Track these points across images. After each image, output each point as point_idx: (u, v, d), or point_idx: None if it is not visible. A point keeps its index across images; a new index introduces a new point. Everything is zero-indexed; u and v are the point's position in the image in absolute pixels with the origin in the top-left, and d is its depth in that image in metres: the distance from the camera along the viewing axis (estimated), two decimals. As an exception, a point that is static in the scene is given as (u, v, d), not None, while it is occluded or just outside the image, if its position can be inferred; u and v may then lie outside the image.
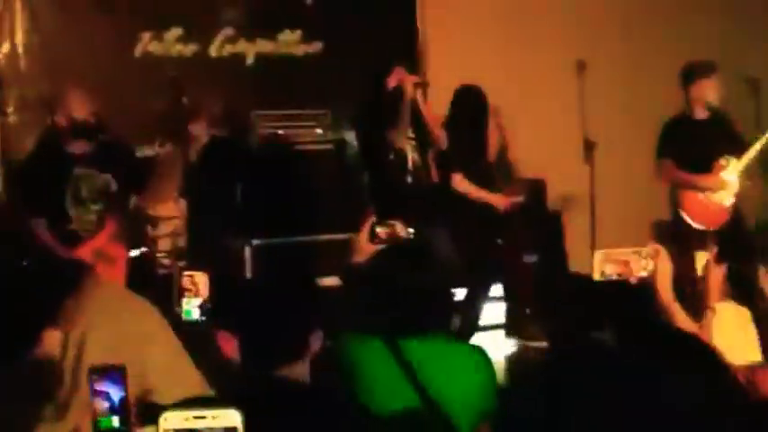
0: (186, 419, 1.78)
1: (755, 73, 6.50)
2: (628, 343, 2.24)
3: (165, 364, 2.41)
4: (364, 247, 3.24)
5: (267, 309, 2.45)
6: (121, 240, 5.23)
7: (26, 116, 6.48)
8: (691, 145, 6.09)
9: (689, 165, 6.10)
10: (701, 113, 6.13)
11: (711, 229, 5.98)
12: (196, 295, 3.42)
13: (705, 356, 1.68)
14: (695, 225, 6.02)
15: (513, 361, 6.05)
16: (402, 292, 2.85)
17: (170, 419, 1.78)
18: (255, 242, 6.26)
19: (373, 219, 3.40)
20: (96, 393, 2.10)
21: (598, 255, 2.92)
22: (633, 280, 2.87)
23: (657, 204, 6.37)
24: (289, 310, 2.48)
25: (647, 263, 2.86)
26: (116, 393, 2.11)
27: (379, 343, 2.86)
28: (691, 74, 6.12)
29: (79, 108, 5.03)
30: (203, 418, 1.79)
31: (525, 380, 2.95)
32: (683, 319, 2.81)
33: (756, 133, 6.09)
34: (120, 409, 2.10)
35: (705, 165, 6.11)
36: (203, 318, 3.43)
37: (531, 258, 6.74)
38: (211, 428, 1.78)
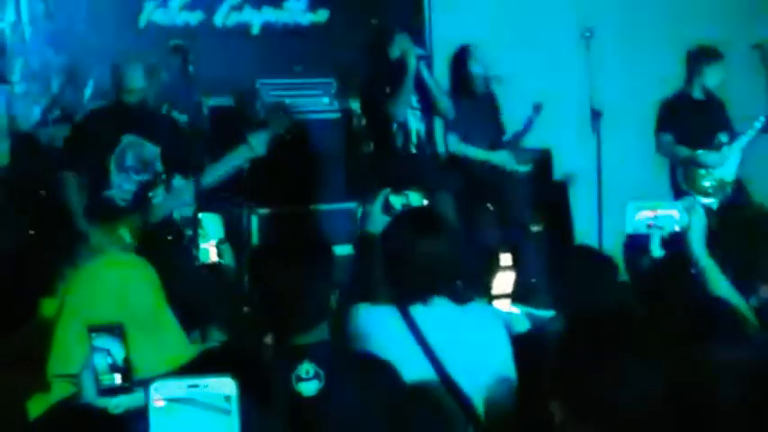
0: (179, 388, 1.77)
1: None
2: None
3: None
4: (378, 218, 3.24)
5: (293, 273, 2.45)
6: None
7: (31, 85, 6.47)
8: (690, 121, 6.22)
9: (688, 141, 6.21)
10: (698, 93, 6.27)
11: (713, 203, 6.08)
12: (209, 237, 3.43)
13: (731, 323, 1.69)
14: (697, 199, 6.09)
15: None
16: (413, 259, 2.86)
17: (161, 388, 1.76)
18: (262, 211, 6.26)
19: (387, 189, 3.40)
20: (96, 351, 2.08)
21: (631, 206, 2.89)
22: (665, 233, 2.84)
23: (665, 175, 6.39)
24: (314, 272, 2.48)
25: (682, 216, 2.82)
26: (117, 350, 2.08)
27: (391, 310, 2.87)
28: (697, 58, 6.24)
29: (135, 83, 5.00)
30: (196, 386, 1.77)
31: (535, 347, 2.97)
32: (716, 277, 2.78)
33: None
34: (122, 366, 2.08)
35: (705, 141, 6.22)
36: (220, 259, 3.44)
37: (535, 228, 6.72)
38: (205, 396, 1.76)
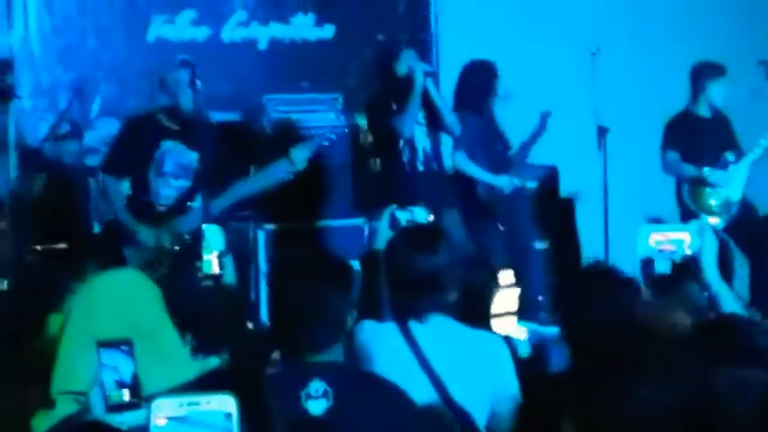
0: (180, 406, 1.76)
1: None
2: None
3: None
4: (384, 235, 3.23)
5: (309, 292, 2.45)
6: None
7: (39, 101, 6.50)
8: (696, 139, 6.20)
9: (694, 159, 6.19)
10: (705, 111, 6.25)
11: (719, 222, 6.07)
12: (211, 248, 3.43)
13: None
14: (703, 218, 6.09)
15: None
16: (415, 275, 2.85)
17: (162, 407, 1.76)
18: (269, 226, 6.26)
19: (394, 206, 3.40)
20: (104, 367, 2.07)
21: (642, 230, 2.89)
22: (677, 257, 2.83)
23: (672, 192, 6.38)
24: (334, 291, 2.49)
25: (694, 239, 2.82)
26: (125, 366, 2.08)
27: (392, 327, 2.87)
28: (701, 74, 6.23)
29: (185, 96, 5.02)
30: (197, 404, 1.76)
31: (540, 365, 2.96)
32: (729, 300, 2.77)
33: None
34: (130, 382, 2.08)
35: (711, 159, 6.20)
36: (222, 271, 3.43)
37: (542, 245, 6.71)
38: (206, 414, 1.76)
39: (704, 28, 7.71)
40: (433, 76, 5.98)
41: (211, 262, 3.38)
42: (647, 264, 2.90)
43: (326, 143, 5.04)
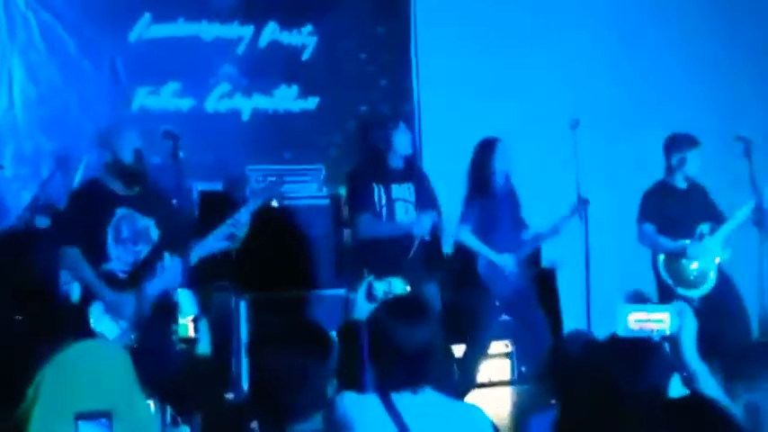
0: None
1: (746, 134, 6.54)
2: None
3: None
4: (362, 305, 3.23)
5: (288, 361, 2.44)
6: None
7: (21, 170, 6.51)
8: (672, 211, 6.27)
9: (670, 231, 6.25)
10: (680, 182, 6.33)
11: (695, 295, 6.10)
12: (185, 313, 3.41)
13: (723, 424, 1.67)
14: (679, 291, 6.15)
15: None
16: (398, 347, 2.85)
17: None
18: (250, 296, 6.24)
19: (371, 276, 3.40)
20: None
21: (621, 310, 2.91)
22: (656, 337, 2.84)
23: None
24: (315, 361, 2.47)
25: (673, 319, 2.84)
26: None
27: (374, 399, 2.85)
28: (674, 146, 6.31)
29: (127, 150, 4.92)
30: None
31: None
32: (707, 381, 2.78)
33: (750, 194, 6.18)
34: None
35: (686, 231, 6.25)
36: (197, 335, 3.41)
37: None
38: None
39: (680, 100, 7.85)
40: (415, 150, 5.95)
41: (186, 326, 3.33)
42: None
43: (265, 201, 5.00)
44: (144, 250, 4.95)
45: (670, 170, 6.34)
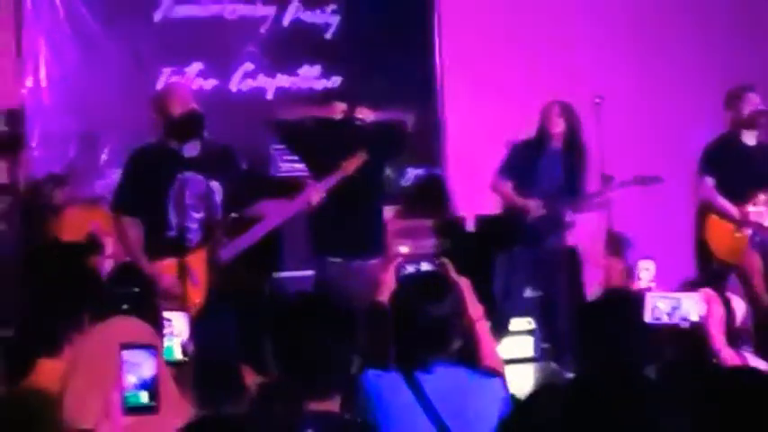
0: None
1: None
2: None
3: None
4: (390, 286, 3.25)
5: (319, 337, 2.46)
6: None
7: (50, 151, 6.56)
8: (735, 167, 5.93)
9: (730, 189, 5.93)
10: (749, 139, 6.02)
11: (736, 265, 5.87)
12: (174, 335, 3.38)
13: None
14: (719, 258, 5.93)
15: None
16: (419, 323, 2.87)
17: None
18: (275, 275, 6.26)
19: (400, 258, 3.41)
20: (126, 367, 2.04)
21: (649, 297, 2.92)
22: (685, 324, 2.84)
23: (674, 242, 6.38)
24: (339, 337, 2.51)
25: (700, 306, 2.84)
26: (147, 369, 2.05)
27: (397, 376, 2.88)
28: (735, 94, 6.04)
29: (181, 105, 4.74)
30: None
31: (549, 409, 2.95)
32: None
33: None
34: (150, 384, 2.04)
35: (747, 193, 5.93)
36: (185, 358, 3.39)
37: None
38: None
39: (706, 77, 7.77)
40: None
41: (173, 348, 3.25)
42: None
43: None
44: (208, 216, 4.74)
45: (736, 124, 6.01)
